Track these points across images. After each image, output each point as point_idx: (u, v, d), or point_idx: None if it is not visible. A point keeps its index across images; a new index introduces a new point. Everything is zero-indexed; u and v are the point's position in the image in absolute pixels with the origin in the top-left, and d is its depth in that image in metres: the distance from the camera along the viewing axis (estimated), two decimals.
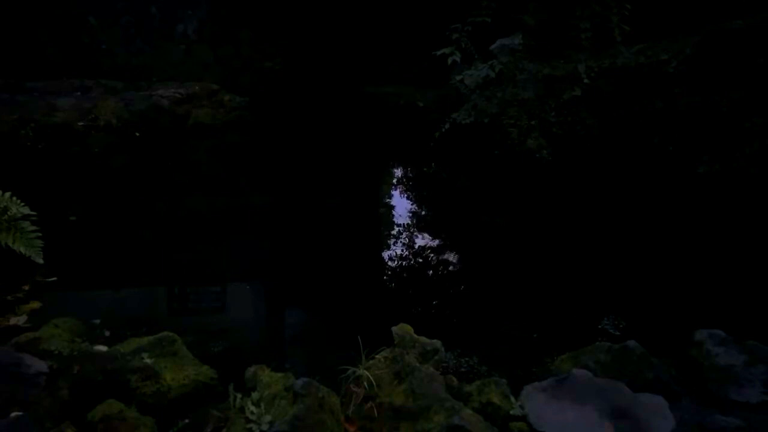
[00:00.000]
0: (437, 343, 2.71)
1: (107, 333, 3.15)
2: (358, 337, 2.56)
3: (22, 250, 3.22)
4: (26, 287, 3.58)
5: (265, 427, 2.19)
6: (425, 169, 7.30)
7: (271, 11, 10.41)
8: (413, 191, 6.59)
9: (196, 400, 2.52)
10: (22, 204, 3.39)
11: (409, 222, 5.34)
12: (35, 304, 3.40)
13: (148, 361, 2.59)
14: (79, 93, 8.00)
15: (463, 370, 2.92)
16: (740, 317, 3.20)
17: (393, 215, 5.56)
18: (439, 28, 5.40)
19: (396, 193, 6.59)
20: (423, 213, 5.80)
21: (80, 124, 7.15)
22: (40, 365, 2.47)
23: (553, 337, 3.22)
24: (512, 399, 2.42)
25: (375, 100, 9.16)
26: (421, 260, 4.55)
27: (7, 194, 3.41)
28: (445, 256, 4.74)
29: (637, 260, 4.17)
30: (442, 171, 7.06)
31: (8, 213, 3.29)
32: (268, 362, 2.62)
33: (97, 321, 3.25)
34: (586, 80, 4.95)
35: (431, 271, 4.43)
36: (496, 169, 6.18)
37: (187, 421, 2.40)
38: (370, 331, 2.72)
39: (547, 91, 5.40)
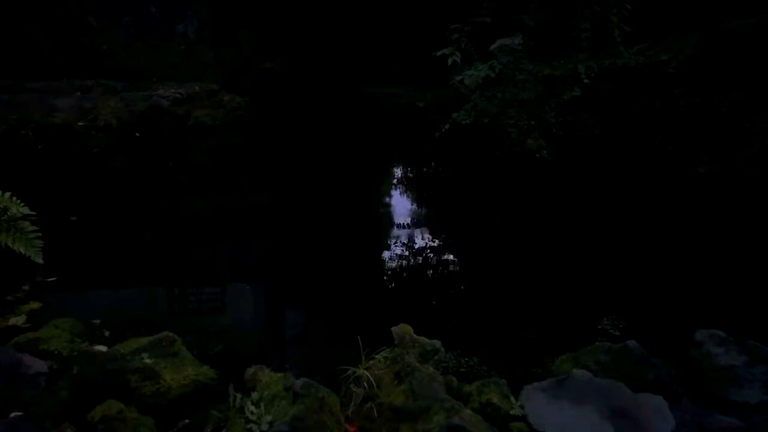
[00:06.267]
0: (437, 343, 2.71)
1: (107, 333, 3.15)
2: (358, 337, 2.56)
3: (22, 250, 3.23)
4: (26, 287, 3.58)
5: (264, 427, 2.19)
6: (425, 169, 7.31)
7: (271, 11, 10.40)
8: (413, 191, 6.59)
9: (196, 401, 2.51)
10: (22, 204, 3.40)
11: (409, 222, 5.35)
12: (35, 304, 3.40)
13: (148, 361, 2.59)
14: (79, 93, 7.99)
15: (463, 370, 2.92)
16: (740, 317, 3.19)
17: (393, 215, 5.56)
18: (439, 28, 5.40)
19: (396, 193, 6.59)
20: (423, 213, 5.80)
21: (80, 124, 7.14)
22: (40, 365, 2.48)
23: (553, 338, 3.22)
24: (512, 399, 2.42)
25: (375, 100, 9.16)
26: (421, 260, 4.55)
27: (7, 194, 3.41)
28: (445, 256, 4.74)
29: (636, 260, 4.16)
30: (441, 171, 7.06)
31: (8, 213, 3.29)
32: (268, 362, 2.62)
33: (97, 321, 3.25)
34: (586, 80, 4.95)
35: (431, 271, 4.43)
36: (496, 170, 6.18)
37: (187, 421, 2.40)
38: (370, 331, 2.72)
39: (547, 91, 5.40)
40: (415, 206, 6.02)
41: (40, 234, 3.34)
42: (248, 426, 2.21)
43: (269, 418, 2.22)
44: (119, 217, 5.12)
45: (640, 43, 5.24)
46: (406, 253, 4.67)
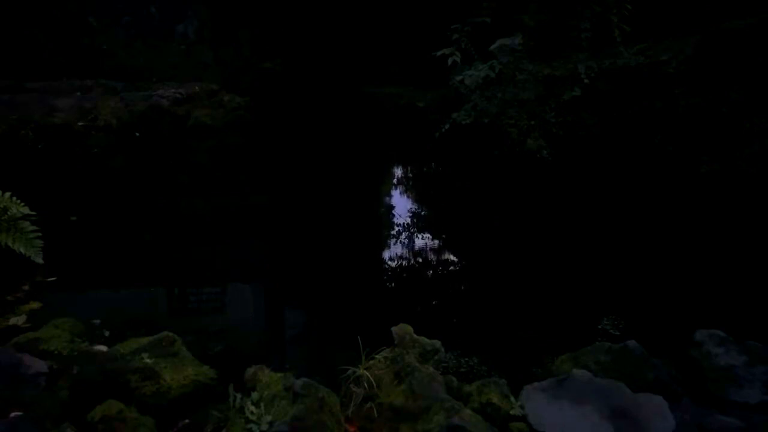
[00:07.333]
0: (437, 343, 2.71)
1: (107, 333, 3.15)
2: (358, 337, 2.56)
3: (22, 250, 3.23)
4: (26, 287, 3.58)
5: (264, 427, 2.18)
6: (425, 169, 7.31)
7: (271, 11, 10.40)
8: (413, 191, 6.59)
9: (196, 401, 2.51)
10: (22, 204, 3.40)
11: (409, 222, 5.35)
12: (35, 304, 3.40)
13: (148, 361, 2.59)
14: (79, 93, 7.99)
15: (463, 370, 2.92)
16: (740, 317, 3.19)
17: (393, 215, 5.56)
18: (439, 28, 5.40)
19: (396, 193, 6.60)
20: (423, 213, 5.80)
21: (80, 124, 7.14)
22: (40, 365, 2.47)
23: (553, 338, 3.22)
24: (512, 399, 2.42)
25: (375, 100, 9.16)
26: (421, 260, 4.55)
27: (7, 194, 3.41)
28: (445, 256, 4.74)
29: (636, 260, 4.16)
30: (441, 171, 7.06)
31: (8, 213, 3.29)
32: (268, 362, 2.62)
33: (97, 321, 3.25)
34: (586, 80, 4.95)
35: (431, 271, 4.43)
36: (496, 170, 6.18)
37: (187, 421, 2.40)
38: (370, 331, 2.72)
39: (547, 91, 5.40)
40: (415, 206, 6.02)
41: (40, 234, 3.34)
42: (248, 426, 2.21)
43: (269, 418, 2.22)
44: (119, 217, 5.11)
45: (640, 43, 5.24)
46: (406, 253, 4.67)
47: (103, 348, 2.81)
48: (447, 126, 5.48)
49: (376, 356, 2.58)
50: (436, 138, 5.54)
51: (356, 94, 9.53)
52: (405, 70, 9.38)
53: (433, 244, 4.89)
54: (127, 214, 5.21)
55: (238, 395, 2.36)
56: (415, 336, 2.72)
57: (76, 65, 9.01)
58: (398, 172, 7.47)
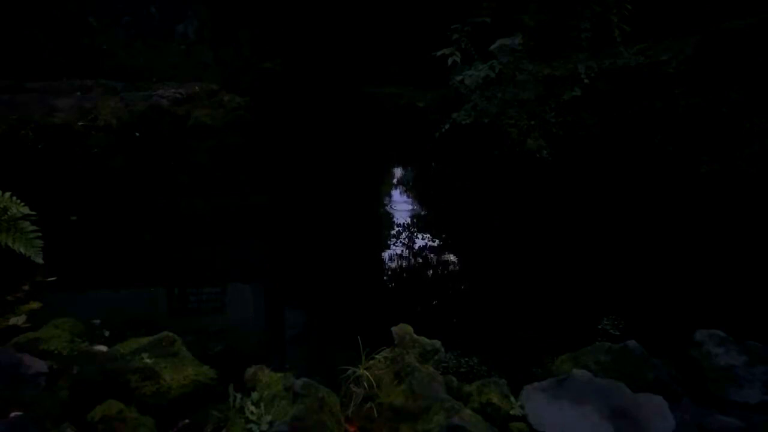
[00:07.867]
0: (437, 343, 2.71)
1: (107, 333, 3.15)
2: (358, 337, 2.56)
3: (22, 250, 3.23)
4: (26, 287, 3.58)
5: (264, 427, 2.19)
6: (425, 169, 7.30)
7: (271, 11, 10.40)
8: (413, 191, 6.59)
9: (196, 401, 2.52)
10: (22, 204, 3.40)
11: (409, 222, 5.35)
12: (35, 304, 3.40)
13: (148, 361, 2.59)
14: (79, 93, 7.99)
15: (463, 370, 2.92)
16: (740, 317, 3.19)
17: (393, 215, 5.56)
18: (439, 28, 5.40)
19: (396, 193, 6.59)
20: (423, 213, 5.80)
21: (80, 124, 7.14)
22: (40, 365, 2.48)
23: (553, 338, 3.22)
24: (512, 399, 2.42)
25: (375, 100, 9.16)
26: (421, 260, 4.55)
27: (7, 194, 3.42)
28: (445, 256, 4.74)
29: (636, 260, 4.16)
30: (441, 171, 7.06)
31: (8, 213, 3.29)
32: (268, 362, 2.62)
33: (97, 321, 3.25)
34: (586, 80, 4.95)
35: (431, 271, 4.43)
36: (496, 170, 6.18)
37: (187, 421, 2.40)
38: (370, 331, 2.72)
39: (547, 91, 5.40)
40: (415, 206, 6.02)
41: (40, 234, 3.35)
42: (248, 426, 2.21)
43: (269, 418, 2.22)
44: (119, 217, 5.12)
45: (640, 43, 5.24)
46: (406, 253, 4.67)
47: (103, 348, 2.81)
48: (447, 126, 5.48)
49: (376, 356, 2.58)
50: (436, 138, 5.54)
51: (356, 94, 9.52)
52: (405, 70, 9.37)
53: (433, 244, 4.89)
54: (127, 214, 5.21)
55: (238, 395, 2.36)
56: (415, 336, 2.72)
57: (76, 65, 9.00)
58: (398, 172, 7.47)
